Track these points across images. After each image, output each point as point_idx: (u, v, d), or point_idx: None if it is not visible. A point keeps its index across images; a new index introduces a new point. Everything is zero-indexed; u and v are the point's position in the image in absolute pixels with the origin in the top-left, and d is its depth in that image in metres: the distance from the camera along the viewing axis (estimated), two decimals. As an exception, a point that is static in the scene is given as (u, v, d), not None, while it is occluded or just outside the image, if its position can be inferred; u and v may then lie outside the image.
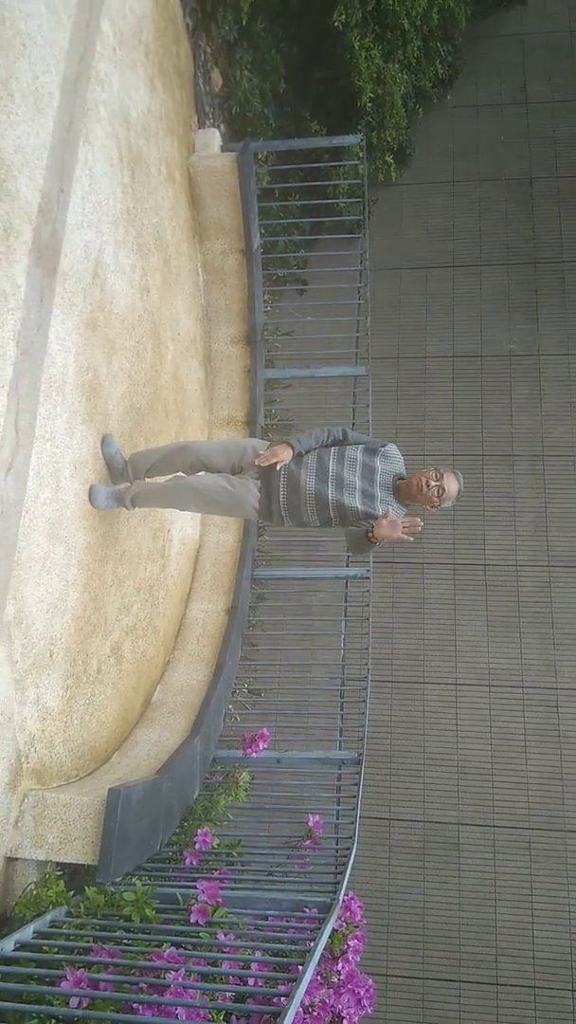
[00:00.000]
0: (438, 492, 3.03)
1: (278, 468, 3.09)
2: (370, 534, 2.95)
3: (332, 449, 3.14)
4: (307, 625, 5.36)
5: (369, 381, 5.15)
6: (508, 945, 5.02)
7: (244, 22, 4.90)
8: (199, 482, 3.21)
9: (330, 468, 3.07)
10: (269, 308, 5.78)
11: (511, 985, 4.93)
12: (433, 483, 3.02)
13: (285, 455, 3.05)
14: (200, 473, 3.31)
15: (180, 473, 3.33)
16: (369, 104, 5.80)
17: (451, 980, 4.96)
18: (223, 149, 4.77)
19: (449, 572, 6.04)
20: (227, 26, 4.92)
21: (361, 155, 5.11)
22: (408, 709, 5.62)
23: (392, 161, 6.41)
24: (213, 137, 4.76)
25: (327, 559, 5.44)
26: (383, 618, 5.76)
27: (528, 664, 5.68)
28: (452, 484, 3.06)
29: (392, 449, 3.19)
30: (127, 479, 3.33)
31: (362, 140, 4.88)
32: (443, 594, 5.97)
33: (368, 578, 4.88)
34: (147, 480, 3.35)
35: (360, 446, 3.14)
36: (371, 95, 5.75)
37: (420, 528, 2.88)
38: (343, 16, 5.16)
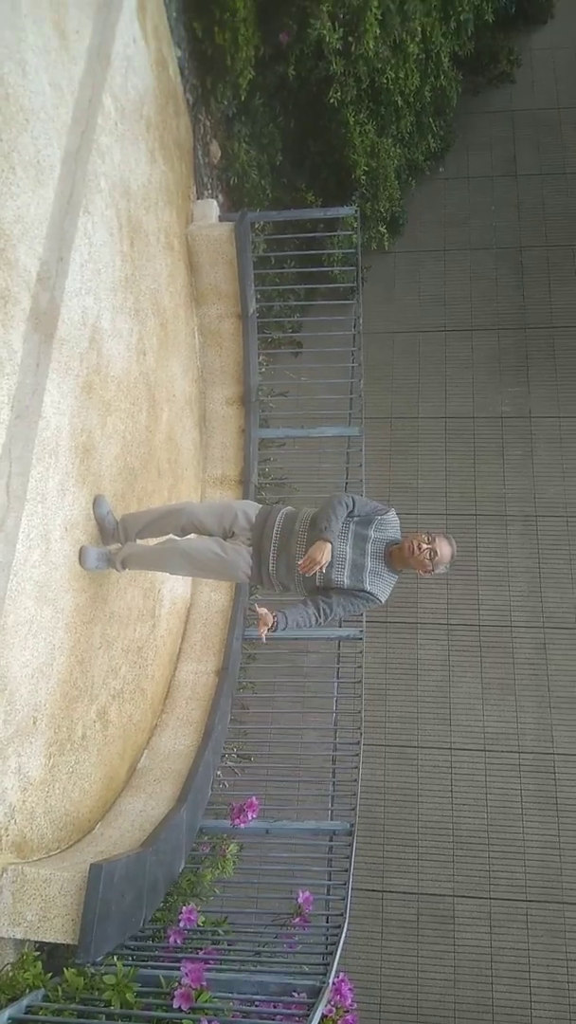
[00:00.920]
0: (430, 555, 3.01)
1: (269, 522, 3.11)
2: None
3: None
4: (298, 687, 5.28)
5: (363, 441, 5.19)
6: (506, 1027, 4.81)
7: (243, 98, 5.09)
8: (190, 546, 3.20)
9: None
10: (264, 369, 5.87)
11: (509, 1071, 4.71)
12: (425, 546, 3.01)
13: (327, 556, 2.92)
14: (191, 536, 3.30)
15: (172, 536, 3.32)
16: (363, 176, 5.99)
17: (447, 1065, 4.75)
18: (221, 219, 4.89)
19: (443, 632, 5.99)
20: (226, 101, 5.10)
21: (355, 225, 5.25)
22: (402, 774, 5.51)
23: (385, 231, 6.59)
24: (211, 207, 4.89)
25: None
26: (376, 680, 5.68)
27: (524, 728, 5.59)
28: (444, 548, 3.05)
29: (390, 516, 3.17)
30: (118, 540, 3.32)
31: (356, 211, 5.02)
32: (437, 655, 5.92)
33: (361, 638, 4.83)
34: (138, 542, 3.34)
35: (355, 517, 3.10)
36: (365, 168, 5.94)
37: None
38: (338, 94, 5.37)
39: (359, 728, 4.47)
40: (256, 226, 5.30)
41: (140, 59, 4.02)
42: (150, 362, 4.00)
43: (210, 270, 4.76)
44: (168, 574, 3.82)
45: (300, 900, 3.04)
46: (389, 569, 3.10)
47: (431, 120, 6.83)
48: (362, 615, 4.91)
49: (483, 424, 6.81)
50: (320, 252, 5.83)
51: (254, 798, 3.58)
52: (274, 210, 5.58)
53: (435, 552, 3.01)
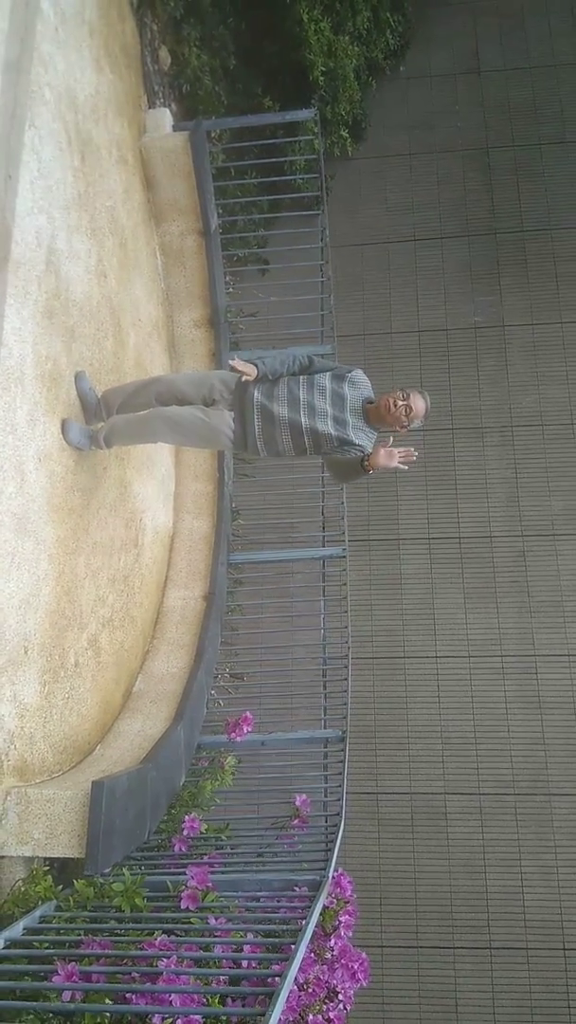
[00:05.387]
0: (406, 411, 3.07)
1: (249, 390, 3.16)
2: (365, 462, 3.00)
3: (300, 378, 3.18)
4: (286, 607, 5.35)
5: (335, 358, 5.11)
6: (499, 910, 5.10)
7: (190, -3, 4.81)
8: (174, 412, 3.22)
9: (300, 397, 3.12)
10: (231, 290, 5.72)
11: (504, 948, 5.02)
12: (400, 403, 3.08)
13: (250, 372, 3.09)
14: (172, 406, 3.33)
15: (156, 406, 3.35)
16: (321, 78, 5.73)
17: (445, 947, 5.04)
18: (175, 129, 4.68)
19: (424, 547, 6.07)
20: (172, 2, 4.81)
21: (316, 130, 5.05)
22: (390, 684, 5.66)
23: (347, 135, 6.35)
24: (164, 117, 4.67)
25: (303, 540, 5.43)
26: (361, 596, 5.77)
27: (506, 633, 5.74)
28: (419, 402, 3.11)
29: (359, 374, 3.24)
30: (100, 418, 3.34)
31: (316, 114, 4.82)
32: (419, 569, 6.00)
33: (344, 556, 4.89)
34: (120, 416, 3.34)
35: (327, 373, 3.19)
36: (323, 69, 5.68)
37: (415, 458, 2.92)
38: (290, -12, 5.08)
39: (346, 643, 4.56)
40: (213, 135, 5.08)
41: (76, -45, 3.76)
42: (112, 284, 3.88)
43: (167, 184, 4.58)
44: (150, 499, 3.81)
45: (298, 803, 3.16)
46: (369, 426, 3.17)
47: (388, 15, 6.50)
48: (344, 534, 4.96)
49: (456, 336, 6.73)
50: (281, 159, 5.62)
51: (248, 713, 3.67)
52: (230, 117, 5.34)
53: (410, 408, 3.08)
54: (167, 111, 4.72)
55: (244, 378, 3.12)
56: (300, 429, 3.12)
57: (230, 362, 3.16)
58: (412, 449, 2.94)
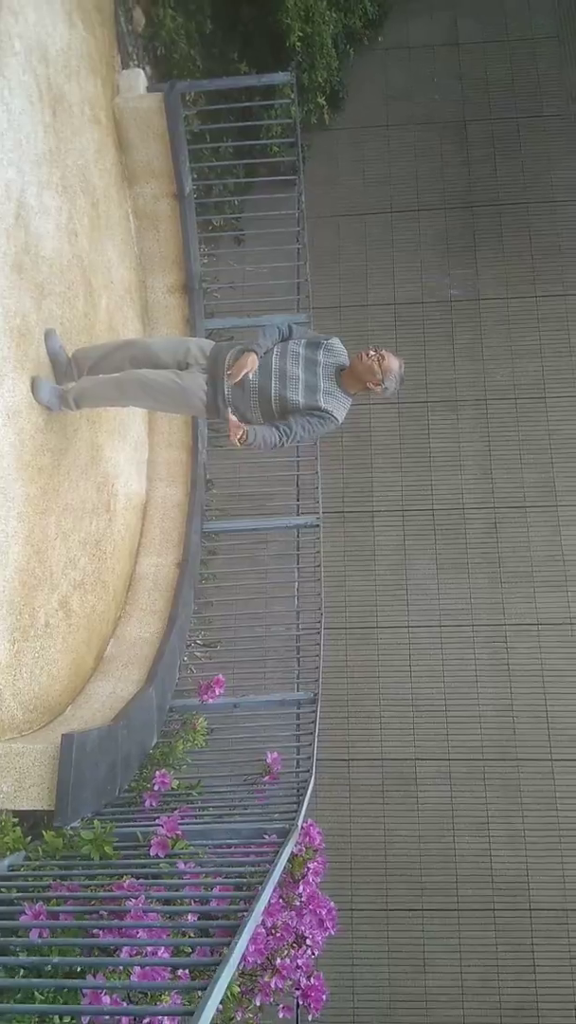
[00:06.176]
0: (378, 361, 3.07)
1: (223, 355, 3.14)
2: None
3: (276, 345, 3.18)
4: (260, 576, 5.37)
5: (311, 327, 5.10)
6: (467, 872, 5.20)
7: (165, -45, 4.72)
8: (147, 374, 3.21)
9: (273, 363, 3.13)
10: (207, 261, 5.67)
11: (471, 910, 5.12)
12: (372, 353, 3.09)
13: (253, 363, 3.04)
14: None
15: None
16: (298, 44, 5.66)
17: (414, 909, 5.13)
18: (149, 90, 4.61)
19: (398, 518, 6.10)
20: (147, -41, 4.72)
21: (292, 96, 5.00)
22: (362, 653, 5.71)
23: (324, 103, 6.29)
24: (138, 77, 4.59)
25: (277, 510, 5.44)
26: (335, 567, 5.80)
27: (477, 603, 5.80)
28: (392, 359, 3.12)
29: (335, 342, 3.25)
30: (71, 378, 3.31)
31: (292, 78, 4.77)
32: (393, 540, 6.04)
33: (318, 526, 4.90)
34: (91, 378, 3.31)
35: (303, 340, 3.21)
36: (300, 34, 5.61)
37: (237, 442, 2.91)
38: (267, -52, 5.00)
39: (320, 608, 4.59)
40: (188, 98, 5.01)
41: None
42: (83, 244, 3.83)
43: (141, 146, 4.52)
44: (121, 463, 3.78)
45: (269, 760, 3.18)
46: (343, 391, 3.16)
47: (367, -19, 6.43)
48: (319, 504, 4.97)
49: (432, 309, 6.74)
50: (258, 123, 5.56)
51: (220, 675, 3.69)
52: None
53: (383, 357, 3.08)
54: (141, 72, 4.64)
55: (249, 373, 3.06)
56: (269, 396, 3.11)
57: (228, 372, 3.10)
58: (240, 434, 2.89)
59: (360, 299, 6.78)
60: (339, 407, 3.18)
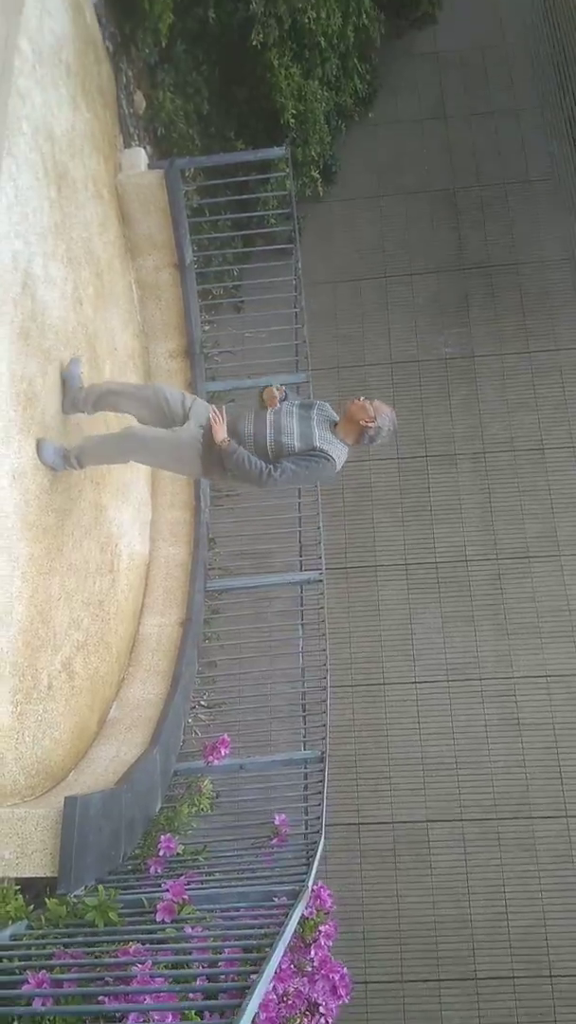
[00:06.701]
0: (369, 403, 3.20)
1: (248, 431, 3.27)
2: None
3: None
4: (265, 634, 5.34)
5: (310, 387, 5.20)
6: (484, 938, 5.02)
7: (163, 44, 4.98)
8: (146, 431, 3.34)
9: (267, 417, 3.26)
10: (207, 328, 5.82)
11: (490, 978, 4.92)
12: (363, 398, 3.23)
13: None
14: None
15: (129, 425, 3.46)
16: (292, 120, 5.93)
17: (430, 980, 4.94)
18: (150, 167, 4.81)
19: (402, 572, 6.10)
20: (147, 49, 4.99)
21: (287, 168, 5.21)
22: (370, 711, 5.64)
23: (318, 176, 6.54)
24: (139, 156, 4.80)
25: (279, 567, 5.44)
26: (339, 623, 5.78)
27: (484, 656, 5.75)
28: (382, 405, 3.25)
29: (326, 405, 3.40)
30: (77, 407, 3.46)
31: (287, 152, 4.98)
32: (397, 594, 6.03)
33: (321, 580, 4.90)
34: (92, 435, 3.46)
35: (296, 401, 3.39)
36: (293, 112, 5.88)
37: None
38: (261, 35, 5.29)
39: (325, 664, 4.55)
40: (187, 174, 5.22)
41: (54, 3, 3.91)
42: (87, 312, 3.95)
43: (143, 219, 4.69)
44: (126, 525, 3.83)
45: (277, 822, 3.12)
46: (339, 440, 3.25)
47: (356, 63, 6.77)
48: (321, 559, 4.98)
49: (428, 367, 6.88)
50: (255, 196, 5.77)
51: (226, 735, 3.64)
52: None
53: (371, 400, 3.21)
54: (142, 151, 4.86)
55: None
56: (264, 443, 3.20)
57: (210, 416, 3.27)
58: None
59: (357, 359, 6.93)
60: (335, 451, 3.24)
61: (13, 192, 3.15)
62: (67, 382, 3.45)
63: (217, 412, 3.19)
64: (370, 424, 3.17)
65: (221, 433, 3.15)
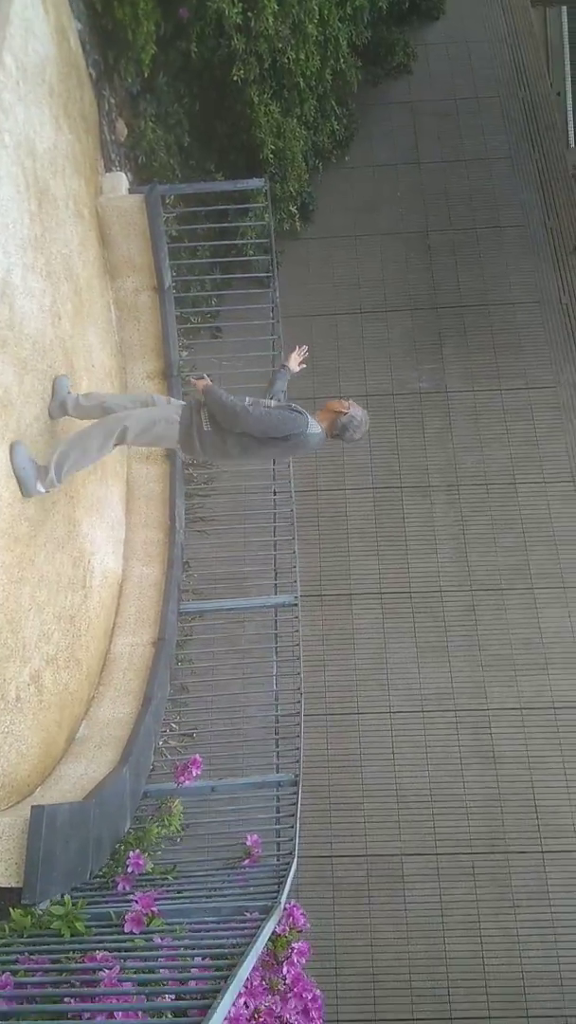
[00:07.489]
0: (342, 399, 3.43)
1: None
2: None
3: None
4: (238, 657, 5.26)
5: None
6: (459, 976, 4.87)
7: (146, 75, 5.10)
8: (133, 412, 3.49)
9: (247, 398, 3.43)
10: (186, 354, 5.85)
11: (465, 1018, 4.77)
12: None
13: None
14: None
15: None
16: (271, 156, 6.07)
17: (404, 1019, 4.76)
18: (130, 192, 4.87)
19: (376, 601, 6.08)
20: (129, 78, 5.10)
21: (265, 201, 5.31)
22: (344, 741, 5.54)
23: (296, 212, 6.68)
24: (120, 180, 4.86)
25: (254, 591, 5.39)
26: (314, 651, 5.71)
27: (459, 687, 5.71)
28: (355, 403, 3.43)
29: (301, 409, 3.51)
30: (64, 411, 3.59)
31: (265, 184, 5.09)
32: (372, 624, 5.99)
33: (296, 604, 4.86)
34: (69, 435, 3.55)
35: (272, 400, 3.54)
36: (272, 148, 6.02)
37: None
38: (241, 72, 5.44)
39: (299, 688, 4.48)
40: (167, 202, 5.30)
41: (40, 25, 3.98)
42: (66, 327, 3.95)
43: (123, 242, 4.73)
44: (99, 541, 3.80)
45: (250, 842, 3.02)
46: (314, 420, 3.40)
47: (334, 105, 6.99)
48: (296, 582, 4.94)
49: (402, 400, 6.97)
50: (234, 224, 5.87)
51: (198, 756, 3.55)
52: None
53: (349, 399, 3.42)
54: (123, 175, 4.93)
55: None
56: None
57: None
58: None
59: (333, 390, 6.96)
60: (311, 421, 3.36)
61: (-5, 199, 3.16)
62: (56, 389, 3.59)
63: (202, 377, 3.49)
64: (344, 411, 3.30)
65: (205, 380, 3.41)
